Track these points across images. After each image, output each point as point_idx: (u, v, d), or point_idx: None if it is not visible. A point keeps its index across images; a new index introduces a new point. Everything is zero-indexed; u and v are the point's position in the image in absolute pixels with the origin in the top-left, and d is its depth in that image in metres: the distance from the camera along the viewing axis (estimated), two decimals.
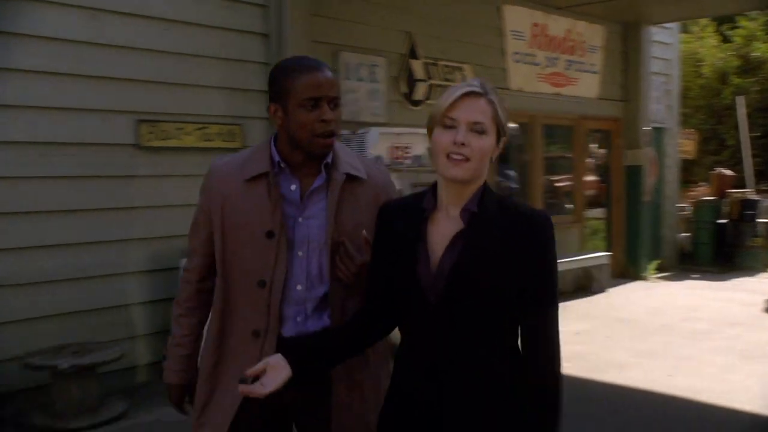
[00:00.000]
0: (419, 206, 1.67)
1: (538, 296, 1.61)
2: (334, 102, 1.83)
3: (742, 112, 12.84)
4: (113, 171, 5.04)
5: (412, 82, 7.18)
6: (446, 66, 7.53)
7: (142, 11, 5.16)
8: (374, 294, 1.76)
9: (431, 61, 7.36)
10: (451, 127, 1.57)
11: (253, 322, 1.86)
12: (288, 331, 1.88)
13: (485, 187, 1.66)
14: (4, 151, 4.57)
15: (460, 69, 7.65)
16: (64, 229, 4.80)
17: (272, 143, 1.90)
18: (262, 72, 5.73)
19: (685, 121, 14.45)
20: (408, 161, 6.33)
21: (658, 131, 10.63)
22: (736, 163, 13.56)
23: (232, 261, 1.89)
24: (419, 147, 6.48)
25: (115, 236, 5.05)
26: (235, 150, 5.45)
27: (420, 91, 7.25)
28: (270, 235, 1.82)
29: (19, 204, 4.63)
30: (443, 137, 1.58)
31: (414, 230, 1.65)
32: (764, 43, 16.07)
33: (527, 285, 1.59)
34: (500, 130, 1.62)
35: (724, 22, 16.74)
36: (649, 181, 10.22)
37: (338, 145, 1.93)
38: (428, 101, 7.25)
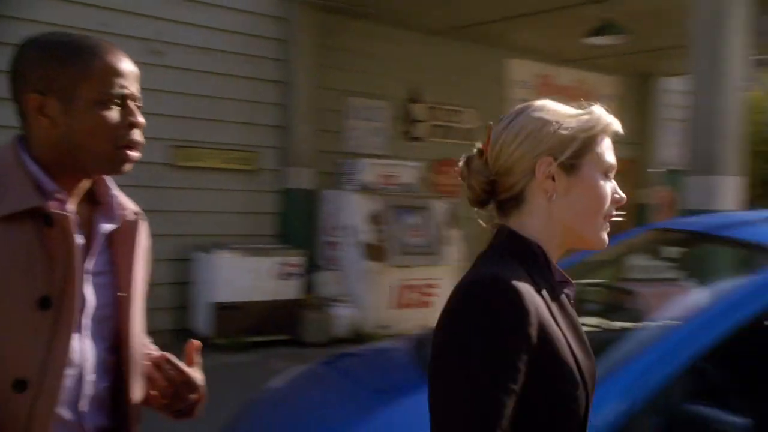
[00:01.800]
0: (549, 281, 1.23)
1: None
2: (138, 104, 1.33)
3: None
4: (152, 183, 6.78)
5: (412, 122, 8.61)
6: (448, 109, 8.91)
7: (182, 64, 6.92)
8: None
9: (433, 105, 8.76)
10: (609, 179, 1.27)
11: None
12: None
13: None
14: None
15: (460, 112, 9.00)
16: None
17: (23, 156, 1.24)
18: (277, 111, 7.39)
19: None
20: (395, 187, 7.75)
21: (675, 173, 11.42)
22: None
23: None
24: (406, 176, 7.89)
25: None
26: (249, 172, 7.17)
27: (420, 130, 8.66)
28: (44, 304, 1.18)
29: None
30: (609, 190, 1.26)
31: (565, 313, 1.24)
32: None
33: None
34: None
35: None
36: (662, 218, 11.03)
37: None
38: (431, 139, 8.67)
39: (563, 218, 1.24)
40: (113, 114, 1.26)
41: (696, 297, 2.50)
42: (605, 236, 1.27)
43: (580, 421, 1.18)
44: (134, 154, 1.29)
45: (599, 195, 1.24)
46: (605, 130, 1.27)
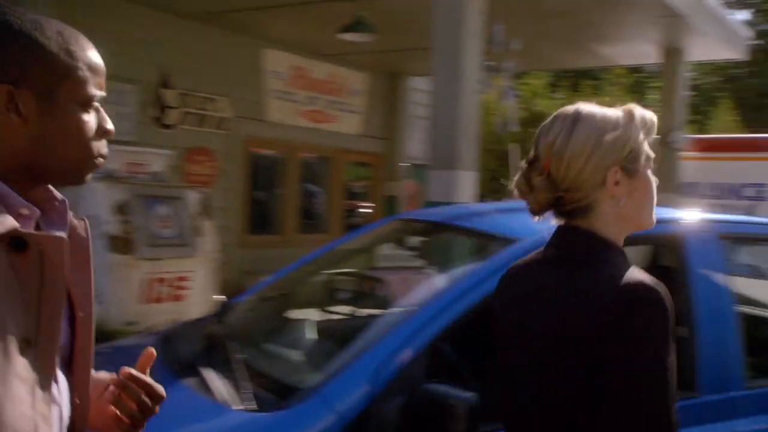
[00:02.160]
0: None
1: None
2: None
3: (514, 158, 14.78)
4: None
5: (163, 108, 8.21)
6: (202, 97, 8.63)
7: None
8: None
9: (186, 91, 8.43)
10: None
11: None
12: None
13: None
14: None
15: (214, 100, 8.77)
16: None
17: None
18: None
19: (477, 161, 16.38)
20: (144, 176, 7.33)
21: (420, 167, 12.22)
22: None
23: None
24: (157, 165, 7.51)
25: None
26: None
27: (171, 117, 8.28)
28: (26, 345, 0.98)
29: None
30: (654, 184, 1.40)
31: None
32: (546, 99, 18.35)
33: None
34: None
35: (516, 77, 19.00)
36: (408, 209, 11.72)
37: None
38: (182, 126, 8.32)
39: (630, 215, 1.35)
40: (92, 119, 1.08)
41: (435, 283, 2.68)
42: (652, 222, 1.41)
43: None
44: (100, 165, 1.13)
45: (653, 187, 1.38)
46: (650, 131, 1.37)
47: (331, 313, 4.38)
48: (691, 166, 9.55)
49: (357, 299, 4.55)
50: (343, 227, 10.99)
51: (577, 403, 1.25)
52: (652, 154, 1.40)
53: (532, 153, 1.39)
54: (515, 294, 1.46)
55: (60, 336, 1.04)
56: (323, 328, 3.23)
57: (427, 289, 2.55)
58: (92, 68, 1.08)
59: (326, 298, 4.01)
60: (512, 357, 1.45)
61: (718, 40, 9.10)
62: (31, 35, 1.02)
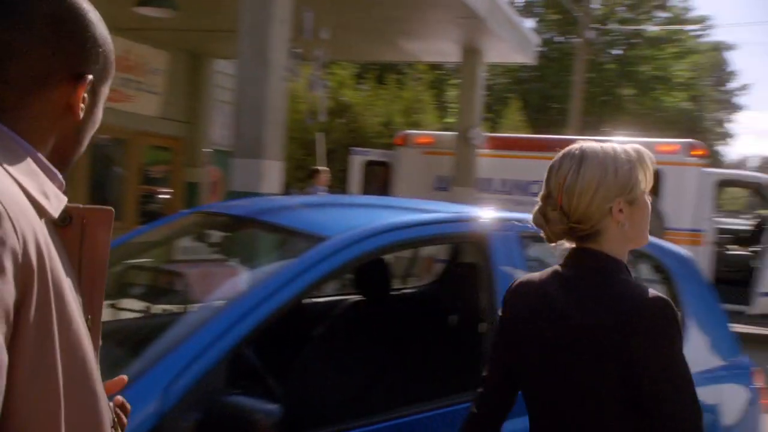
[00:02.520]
0: None
1: None
2: None
3: (321, 147, 14.77)
4: None
5: None
6: None
7: None
8: None
9: None
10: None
11: None
12: None
13: None
14: None
15: None
16: None
17: (27, 147, 0.94)
18: None
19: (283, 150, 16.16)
20: None
21: (224, 154, 11.81)
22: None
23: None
24: None
25: None
26: None
27: None
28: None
29: None
30: (648, 206, 1.58)
31: None
32: (352, 89, 18.57)
33: None
34: None
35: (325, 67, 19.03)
36: (212, 198, 11.27)
37: None
38: None
39: (632, 235, 1.56)
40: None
41: (238, 283, 2.50)
42: (646, 240, 1.62)
43: None
44: None
45: (648, 209, 1.57)
46: (647, 165, 1.56)
47: (121, 310, 4.02)
48: (486, 162, 10.12)
49: (151, 295, 4.22)
50: (138, 214, 10.33)
51: (607, 408, 1.48)
52: (649, 183, 1.58)
53: (544, 190, 1.59)
54: (531, 309, 1.61)
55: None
56: (110, 330, 2.91)
57: (229, 290, 2.36)
58: (100, 44, 1.01)
59: (115, 293, 3.65)
60: (532, 368, 1.62)
61: (512, 44, 9.69)
62: (99, 26, 1.00)
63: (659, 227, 6.97)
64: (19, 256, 0.77)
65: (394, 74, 19.78)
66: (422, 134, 11.56)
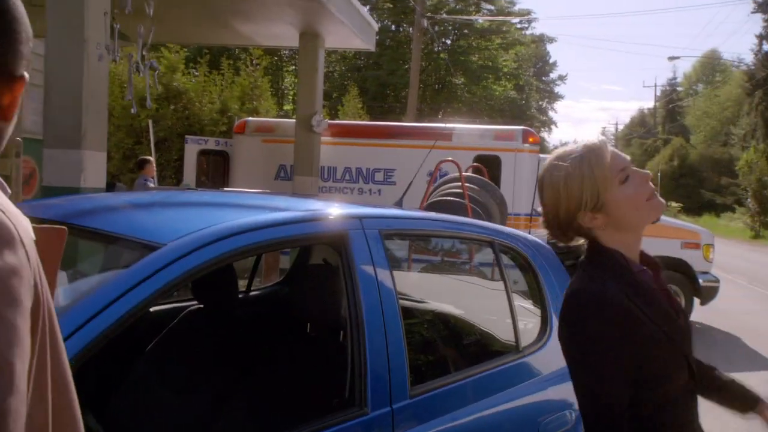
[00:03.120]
0: (630, 272, 1.58)
1: None
2: None
3: (152, 134, 13.80)
4: None
5: None
6: None
7: None
8: (623, 408, 1.50)
9: None
10: (626, 178, 1.57)
11: None
12: None
13: None
14: None
15: None
16: None
17: None
18: None
19: (107, 139, 14.96)
20: None
21: (39, 143, 10.64)
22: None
23: None
24: None
25: None
26: None
27: None
28: None
29: None
30: (633, 188, 1.56)
31: (647, 305, 1.55)
32: (184, 75, 17.61)
33: None
34: None
35: (151, 50, 17.86)
36: (26, 194, 10.11)
37: None
38: None
39: (626, 222, 1.57)
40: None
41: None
42: (656, 212, 1.57)
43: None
44: None
45: (629, 200, 1.54)
46: (599, 162, 1.54)
47: None
48: (328, 150, 9.86)
49: None
50: None
51: None
52: (618, 164, 1.55)
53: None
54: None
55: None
56: None
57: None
58: (30, 40, 0.91)
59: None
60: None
61: (352, 29, 9.47)
62: (26, 21, 0.89)
63: (503, 214, 7.05)
64: (31, 287, 0.75)
65: (228, 60, 19.00)
66: (262, 122, 11.08)
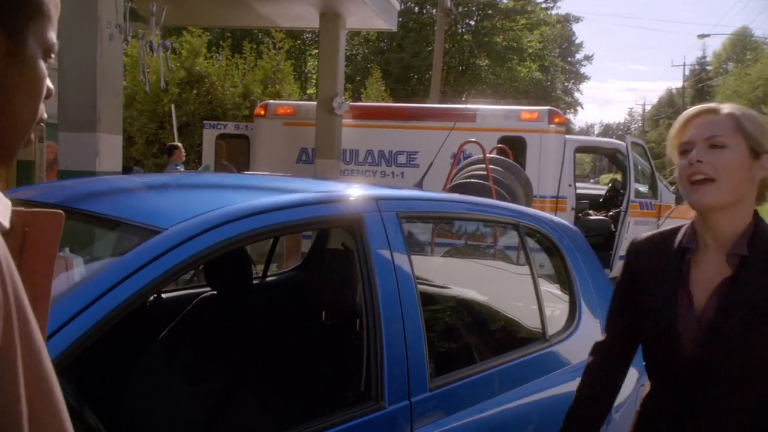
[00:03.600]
0: (678, 244, 1.54)
1: None
2: None
3: (175, 119, 13.77)
4: None
5: None
6: None
7: None
8: (615, 332, 1.70)
9: None
10: (687, 152, 1.47)
11: None
12: None
13: (757, 224, 1.46)
14: None
15: None
16: None
17: None
18: None
19: (131, 124, 15.01)
20: None
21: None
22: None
23: None
24: None
25: None
26: None
27: None
28: None
29: None
30: (681, 163, 1.49)
31: (675, 272, 1.51)
32: (206, 59, 17.54)
33: None
34: (754, 145, 1.44)
35: (172, 34, 17.81)
36: (50, 178, 10.14)
37: None
38: None
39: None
40: (46, 73, 0.81)
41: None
42: (693, 196, 1.45)
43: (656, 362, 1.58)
44: (30, 141, 0.83)
45: (678, 173, 1.50)
46: (673, 126, 1.54)
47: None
48: (350, 133, 9.72)
49: None
50: None
51: None
52: (685, 139, 1.52)
53: None
54: None
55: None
56: None
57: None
58: (57, 6, 0.80)
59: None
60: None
61: (374, 9, 9.29)
62: None
63: (528, 196, 6.88)
64: None
65: (251, 44, 18.89)
66: (283, 104, 10.95)
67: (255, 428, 2.34)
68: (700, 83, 58.91)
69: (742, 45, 57.69)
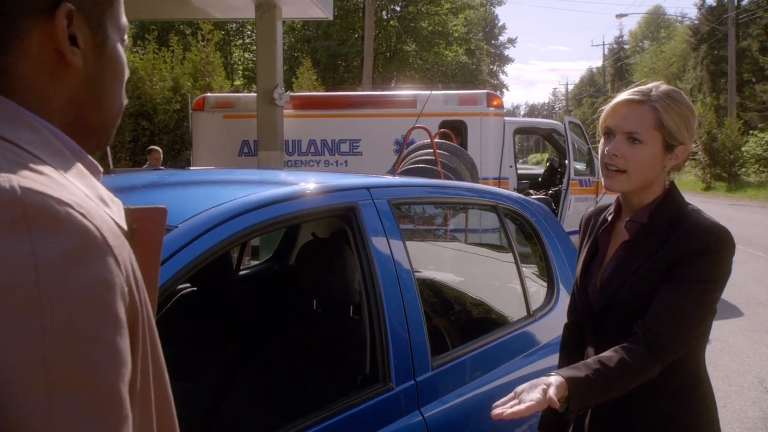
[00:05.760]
0: (603, 216, 1.75)
1: (681, 275, 1.54)
2: None
3: None
4: None
5: None
6: None
7: None
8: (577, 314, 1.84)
9: None
10: (609, 135, 1.62)
11: None
12: None
13: (665, 198, 1.63)
14: None
15: None
16: None
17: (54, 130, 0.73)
18: None
19: None
20: None
21: None
22: None
23: None
24: None
25: None
26: None
27: None
28: None
29: None
30: (602, 147, 1.64)
31: (593, 238, 1.76)
32: (132, 53, 17.03)
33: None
34: (669, 139, 1.58)
35: None
36: None
37: None
38: None
39: None
40: (125, 58, 0.83)
41: None
42: (606, 181, 1.63)
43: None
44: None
45: (600, 157, 1.67)
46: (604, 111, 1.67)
47: None
48: (291, 123, 9.67)
49: None
50: None
51: None
52: (606, 124, 1.67)
53: None
54: None
55: None
56: None
57: None
58: None
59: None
60: None
61: None
62: None
63: (474, 178, 7.02)
64: (125, 294, 0.66)
65: (177, 36, 18.45)
66: (221, 97, 10.80)
67: (258, 421, 2.36)
68: (619, 62, 60.86)
69: (656, 23, 59.82)
